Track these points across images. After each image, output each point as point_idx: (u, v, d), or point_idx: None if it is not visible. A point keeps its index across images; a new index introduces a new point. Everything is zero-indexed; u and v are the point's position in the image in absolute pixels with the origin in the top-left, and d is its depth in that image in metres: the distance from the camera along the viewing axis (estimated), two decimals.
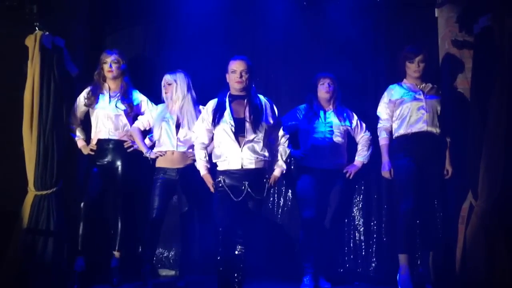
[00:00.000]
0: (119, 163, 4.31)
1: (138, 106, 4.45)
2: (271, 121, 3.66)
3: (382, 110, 4.37)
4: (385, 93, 4.37)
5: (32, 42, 4.13)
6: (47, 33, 4.17)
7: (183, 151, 4.22)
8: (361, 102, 4.73)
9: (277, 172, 3.71)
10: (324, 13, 4.91)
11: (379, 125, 4.40)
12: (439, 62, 4.63)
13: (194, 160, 4.18)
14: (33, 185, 4.14)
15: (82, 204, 4.22)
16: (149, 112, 4.37)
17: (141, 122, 4.35)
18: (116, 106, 4.33)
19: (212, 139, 3.74)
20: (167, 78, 4.29)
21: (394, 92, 4.31)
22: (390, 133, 4.35)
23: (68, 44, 4.35)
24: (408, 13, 4.82)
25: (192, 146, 4.17)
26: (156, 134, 4.29)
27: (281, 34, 4.93)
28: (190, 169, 4.17)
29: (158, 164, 4.25)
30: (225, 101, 3.65)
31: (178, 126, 4.23)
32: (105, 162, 4.31)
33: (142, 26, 4.92)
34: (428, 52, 4.33)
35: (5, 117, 4.20)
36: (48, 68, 4.17)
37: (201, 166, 3.71)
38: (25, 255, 4.04)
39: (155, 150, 4.27)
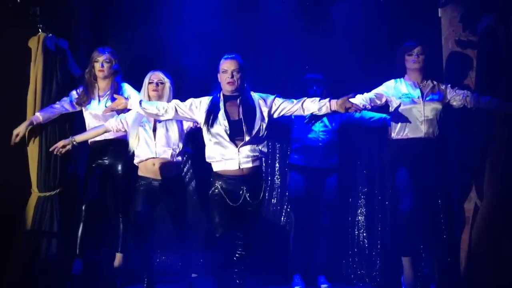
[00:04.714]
0: (118, 162, 4.20)
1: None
2: (266, 118, 3.50)
3: (372, 93, 4.11)
4: (386, 84, 4.16)
5: (35, 43, 4.15)
6: (50, 34, 4.18)
7: (163, 157, 3.91)
8: None
9: (332, 101, 3.51)
10: (326, 14, 4.91)
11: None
12: (442, 62, 4.60)
13: (178, 170, 4.08)
14: (36, 187, 4.15)
15: (84, 206, 4.14)
16: (126, 116, 4.03)
17: (116, 125, 3.98)
18: (105, 107, 4.11)
19: (182, 115, 3.54)
20: (161, 76, 3.98)
21: (394, 88, 4.12)
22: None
23: (71, 45, 4.35)
24: (411, 13, 4.80)
25: (174, 154, 3.96)
26: (133, 144, 3.94)
27: (283, 34, 4.95)
28: (174, 181, 4.02)
29: (141, 173, 4.01)
30: (219, 102, 3.51)
31: (154, 130, 3.94)
32: (105, 162, 4.22)
33: (145, 27, 4.92)
34: (428, 46, 4.18)
35: (8, 119, 4.19)
36: (51, 69, 4.18)
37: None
38: (29, 256, 4.04)
39: (136, 160, 4.00)
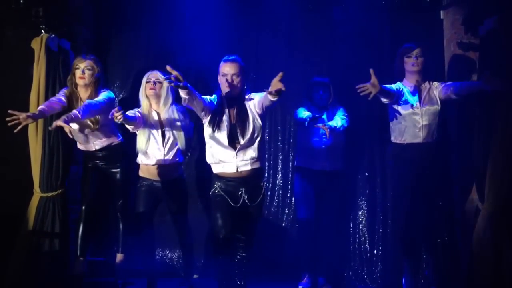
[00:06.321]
0: (115, 164, 4.13)
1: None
2: (257, 117, 3.46)
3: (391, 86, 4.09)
4: (397, 84, 4.14)
5: (38, 44, 4.16)
6: (53, 35, 4.19)
7: (169, 162, 4.00)
8: (365, 105, 4.72)
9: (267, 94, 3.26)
10: (329, 16, 4.91)
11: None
12: (444, 65, 4.61)
13: (179, 171, 4.11)
14: (38, 187, 4.16)
15: (83, 207, 4.12)
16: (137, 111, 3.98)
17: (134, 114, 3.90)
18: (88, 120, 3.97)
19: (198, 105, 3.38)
20: (158, 75, 3.96)
21: (401, 92, 4.11)
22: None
23: (73, 46, 4.36)
24: (413, 15, 4.81)
25: (180, 161, 4.04)
26: (142, 145, 4.00)
27: (286, 37, 4.95)
28: (175, 182, 4.05)
29: (142, 174, 4.05)
30: (224, 104, 3.48)
31: (163, 137, 4.00)
32: (103, 165, 4.16)
33: (147, 29, 4.93)
34: (428, 49, 4.16)
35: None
36: (53, 70, 4.19)
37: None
38: (31, 257, 4.05)
39: (141, 162, 4.04)
